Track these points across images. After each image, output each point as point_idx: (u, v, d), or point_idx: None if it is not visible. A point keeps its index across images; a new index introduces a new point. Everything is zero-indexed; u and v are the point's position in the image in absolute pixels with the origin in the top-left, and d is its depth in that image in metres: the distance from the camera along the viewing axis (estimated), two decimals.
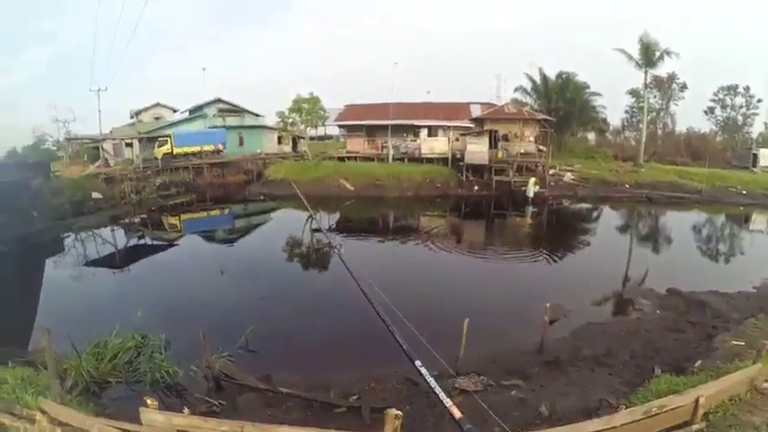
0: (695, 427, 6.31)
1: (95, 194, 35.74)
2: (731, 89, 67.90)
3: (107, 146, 47.34)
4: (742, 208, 37.52)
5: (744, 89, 67.28)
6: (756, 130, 69.49)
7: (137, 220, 33.98)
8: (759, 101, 66.91)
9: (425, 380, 5.60)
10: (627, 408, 6.76)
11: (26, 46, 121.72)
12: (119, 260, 23.43)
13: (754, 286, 17.50)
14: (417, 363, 4.70)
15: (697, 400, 6.23)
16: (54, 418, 5.96)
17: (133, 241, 28.29)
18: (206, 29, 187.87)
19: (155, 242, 27.87)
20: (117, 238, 29.03)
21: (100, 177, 38.79)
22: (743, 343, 10.49)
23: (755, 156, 51.72)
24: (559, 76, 53.01)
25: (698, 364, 9.69)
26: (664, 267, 21.76)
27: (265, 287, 18.14)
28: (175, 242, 28.20)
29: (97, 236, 28.70)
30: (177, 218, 35.51)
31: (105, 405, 9.36)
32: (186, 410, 6.13)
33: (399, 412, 5.53)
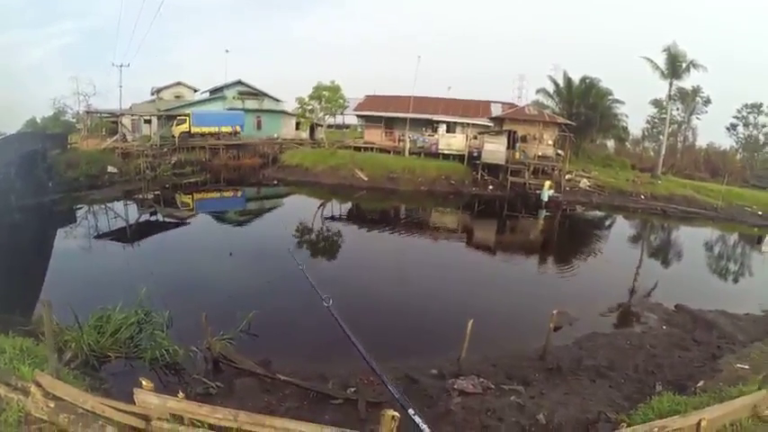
0: None
1: (111, 168, 36.08)
2: (755, 107, 66.70)
3: (126, 121, 47.64)
4: (756, 229, 36.70)
5: None
6: None
7: (150, 196, 34.24)
8: None
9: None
10: (627, 425, 6.67)
11: (54, 20, 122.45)
12: (129, 235, 23.65)
13: (762, 309, 17.16)
14: (410, 411, 4.64)
15: (699, 423, 6.10)
16: (48, 392, 5.94)
17: (145, 217, 28.52)
18: (232, 12, 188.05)
19: (166, 219, 28.05)
20: (129, 212, 29.28)
21: (116, 152, 39.16)
22: (747, 367, 10.33)
23: None
24: (583, 80, 52.13)
25: (700, 384, 9.54)
26: (673, 282, 21.49)
27: (271, 272, 18.07)
28: (186, 220, 28.40)
29: (110, 209, 28.98)
30: (190, 196, 35.77)
31: (103, 380, 9.41)
32: (181, 394, 6.08)
33: (396, 413, 5.46)
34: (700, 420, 6.14)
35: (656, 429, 6.08)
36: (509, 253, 26.14)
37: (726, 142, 69.38)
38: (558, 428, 8.46)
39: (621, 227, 35.63)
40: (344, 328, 6.36)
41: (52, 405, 5.84)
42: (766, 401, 7.11)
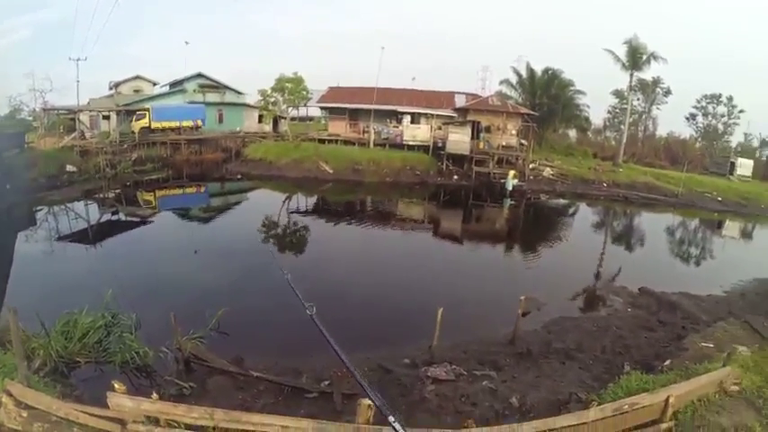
0: (664, 425, 6.42)
1: (70, 167, 34.93)
2: (714, 98, 69.21)
3: (84, 118, 46.11)
4: (716, 214, 38.23)
5: (727, 99, 68.55)
6: (736, 139, 71.38)
7: (111, 194, 33.24)
8: (741, 111, 68.49)
9: None
10: (598, 404, 6.85)
11: (6, 13, 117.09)
12: (91, 236, 22.99)
13: (724, 290, 17.92)
14: (391, 418, 4.68)
15: (667, 400, 6.33)
16: (20, 401, 5.79)
17: (106, 217, 27.73)
18: (192, 2, 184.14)
19: (128, 218, 27.34)
20: (90, 212, 28.38)
21: (75, 150, 37.75)
22: (712, 345, 10.71)
23: (733, 164, 52.75)
24: (546, 71, 52.79)
25: (667, 363, 9.88)
26: (637, 266, 22.16)
27: (239, 269, 17.90)
28: (149, 219, 27.72)
29: (70, 210, 28.06)
30: (152, 194, 34.90)
31: (73, 386, 9.18)
32: (155, 395, 5.97)
33: (372, 402, 5.48)
34: (668, 397, 6.36)
35: (625, 406, 6.28)
36: (475, 241, 26.47)
37: (685, 131, 72.15)
38: (531, 410, 8.64)
39: (585, 214, 36.44)
40: (329, 338, 6.35)
41: (25, 414, 5.70)
42: (732, 377, 7.40)
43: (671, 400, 6.34)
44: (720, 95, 68.81)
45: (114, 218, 27.55)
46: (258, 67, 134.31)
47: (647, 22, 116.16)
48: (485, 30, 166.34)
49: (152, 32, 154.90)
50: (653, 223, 33.90)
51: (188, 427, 5.49)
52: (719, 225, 36.21)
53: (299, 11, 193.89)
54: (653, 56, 46.53)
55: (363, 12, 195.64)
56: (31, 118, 52.86)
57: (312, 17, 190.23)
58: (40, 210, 27.56)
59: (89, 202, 30.69)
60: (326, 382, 9.71)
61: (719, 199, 40.96)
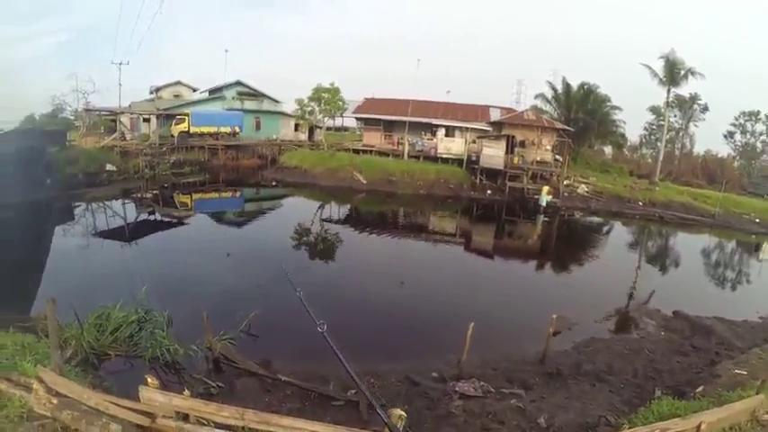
0: None
1: (109, 167, 36.01)
2: (753, 115, 67.11)
3: (125, 119, 47.50)
4: (754, 236, 36.92)
5: (765, 116, 66.47)
6: None
7: (148, 195, 34.15)
8: None
9: None
10: (629, 428, 6.70)
11: (50, 15, 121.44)
12: (127, 233, 23.59)
13: (760, 316, 17.31)
14: (381, 412, 4.66)
15: (699, 426, 6.17)
16: (51, 389, 5.89)
17: (143, 216, 28.43)
18: (233, 10, 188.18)
19: (164, 218, 27.91)
20: (127, 211, 29.17)
21: (115, 150, 39.01)
22: (745, 372, 10.38)
23: None
24: (581, 86, 52.16)
25: (700, 389, 9.60)
26: (671, 288, 21.61)
27: (270, 273, 18.00)
28: (185, 220, 28.28)
29: (108, 207, 28.90)
30: (189, 196, 35.69)
31: (103, 378, 9.39)
32: (187, 392, 6.06)
33: (403, 413, 5.48)
34: (700, 423, 6.20)
35: (657, 431, 6.14)
36: (508, 257, 26.22)
37: (723, 150, 69.86)
38: None
39: (619, 233, 35.67)
40: (337, 352, 6.40)
41: (55, 402, 5.79)
42: (765, 406, 7.18)
43: (703, 426, 6.18)
44: (759, 112, 66.55)
45: (151, 217, 28.19)
46: (270, 69, 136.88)
47: (685, 34, 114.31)
48: (519, 41, 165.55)
49: (192, 38, 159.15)
50: (688, 244, 33.00)
51: (217, 425, 5.55)
52: (757, 248, 34.93)
53: (335, 20, 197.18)
54: (691, 71, 45.48)
55: (370, 15, 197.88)
56: (73, 117, 54.44)
57: (348, 26, 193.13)
58: (79, 206, 28.40)
59: (127, 201, 31.56)
60: (353, 391, 9.68)
61: (757, 220, 39.67)
